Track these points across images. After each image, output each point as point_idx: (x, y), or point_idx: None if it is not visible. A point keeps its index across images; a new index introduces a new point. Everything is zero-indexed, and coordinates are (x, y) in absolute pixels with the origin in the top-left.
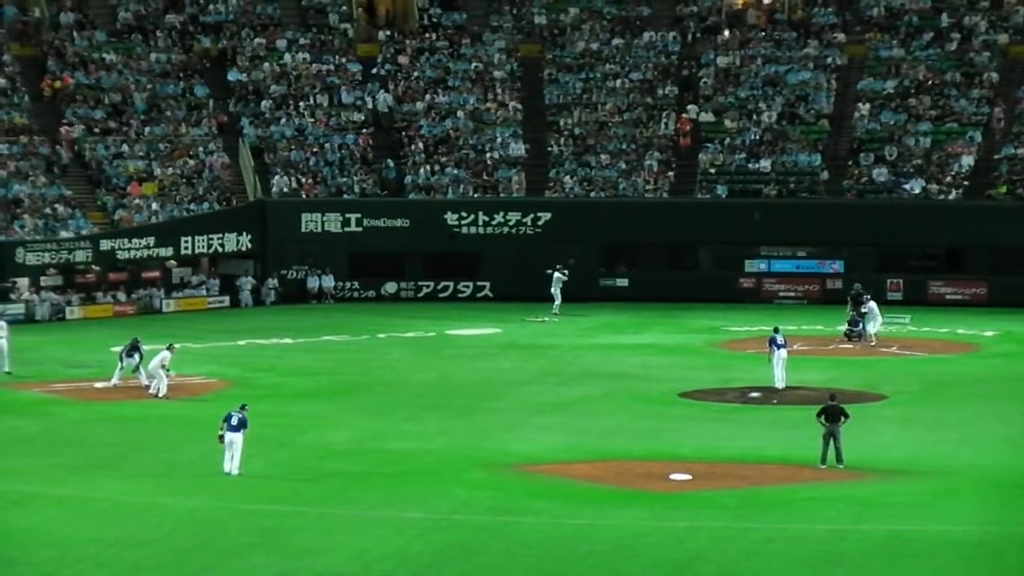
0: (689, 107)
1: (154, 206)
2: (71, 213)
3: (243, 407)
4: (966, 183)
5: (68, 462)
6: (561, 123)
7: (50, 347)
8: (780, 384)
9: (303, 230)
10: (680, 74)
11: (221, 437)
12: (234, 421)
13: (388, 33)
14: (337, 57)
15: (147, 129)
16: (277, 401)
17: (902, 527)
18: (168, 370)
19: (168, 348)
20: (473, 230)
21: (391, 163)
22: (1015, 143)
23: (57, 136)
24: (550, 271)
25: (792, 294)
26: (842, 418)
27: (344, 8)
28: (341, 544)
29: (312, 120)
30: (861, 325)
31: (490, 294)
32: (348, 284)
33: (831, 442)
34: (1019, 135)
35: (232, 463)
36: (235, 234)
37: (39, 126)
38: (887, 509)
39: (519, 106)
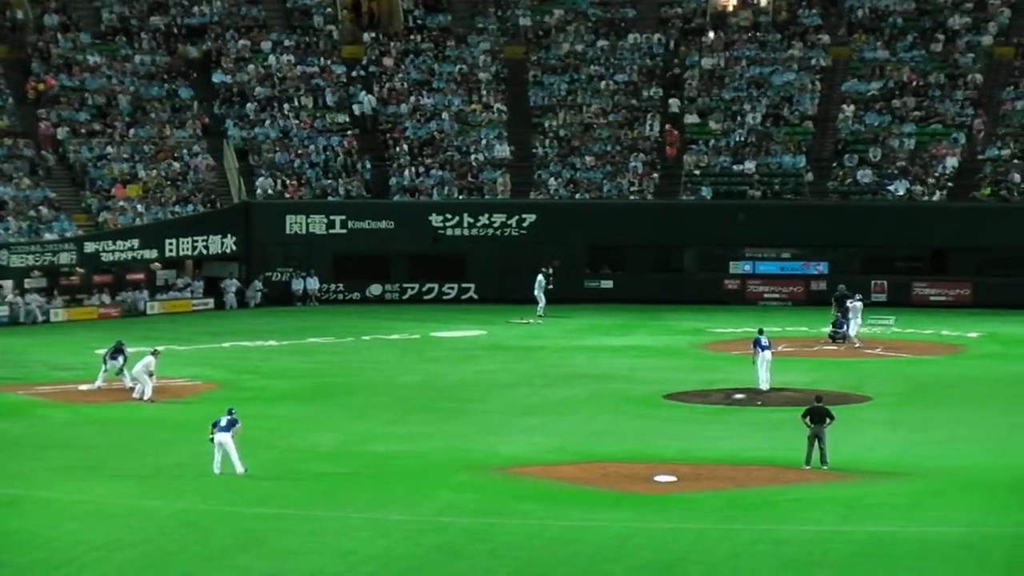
0: (671, 100)
1: (139, 208)
2: (55, 215)
3: (230, 411)
4: (950, 184)
5: (53, 464)
6: (546, 125)
7: (34, 349)
8: (764, 386)
9: (288, 232)
10: (665, 76)
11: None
12: (223, 423)
13: (373, 35)
14: (322, 59)
15: (131, 131)
16: (262, 403)
17: (887, 528)
18: (153, 375)
19: (153, 353)
20: (458, 232)
21: (367, 164)
22: (999, 144)
23: (37, 135)
24: (546, 270)
25: (777, 296)
26: (827, 419)
27: (329, 10)
28: (326, 546)
29: (297, 122)
30: (845, 327)
31: (475, 296)
32: (333, 286)
33: (816, 443)
34: (1003, 136)
35: (234, 464)
36: (220, 236)
37: (23, 128)
38: (872, 510)
39: (504, 108)
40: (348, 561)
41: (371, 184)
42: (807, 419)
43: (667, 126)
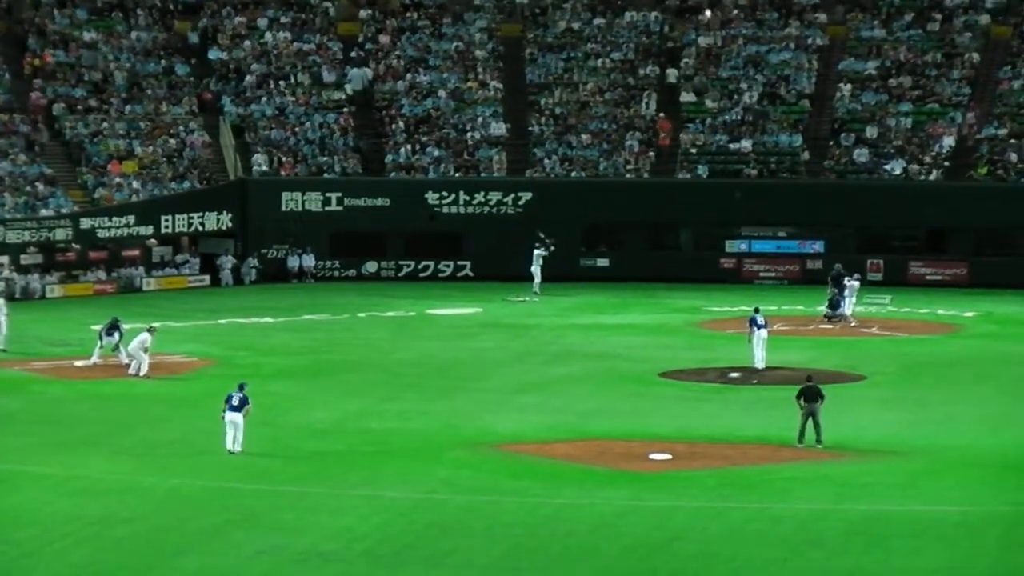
0: (668, 71)
1: (135, 184)
2: (51, 191)
3: (242, 386)
4: (947, 164)
5: (48, 440)
6: (542, 103)
7: (30, 325)
8: (760, 364)
9: (284, 209)
10: (661, 54)
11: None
12: (235, 401)
13: (369, 12)
14: (318, 36)
15: (128, 107)
16: (258, 380)
17: (881, 507)
18: (148, 351)
19: (148, 330)
20: (454, 210)
21: (351, 142)
22: (995, 124)
23: (29, 105)
24: (541, 237)
25: (772, 274)
26: (820, 398)
27: None
28: (322, 523)
29: (293, 99)
30: (842, 306)
31: (471, 274)
32: (329, 263)
33: (810, 422)
34: (1000, 116)
35: (235, 443)
36: (215, 213)
37: (19, 104)
38: (866, 489)
39: (500, 86)
40: (343, 538)
41: (363, 153)
42: (801, 399)
43: (660, 115)
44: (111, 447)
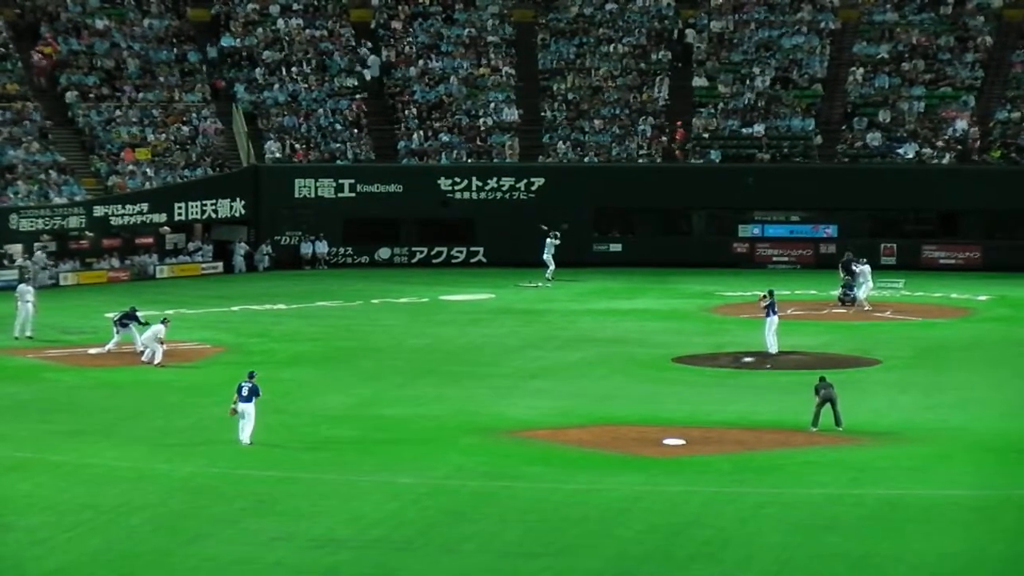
0: (687, 31)
1: (148, 172)
2: (64, 179)
3: (251, 375)
4: (959, 147)
5: (62, 428)
6: (554, 88)
7: (44, 313)
8: (773, 349)
9: (296, 196)
10: (673, 39)
11: (234, 410)
12: (245, 391)
13: None
14: (330, 22)
15: (140, 95)
16: (271, 367)
17: (896, 491)
18: (163, 342)
19: (163, 322)
20: (467, 195)
21: (357, 132)
22: (1008, 107)
23: (31, 66)
24: (555, 233)
25: (786, 259)
26: (833, 389)
27: None
28: (335, 509)
29: (305, 86)
30: (855, 290)
31: (484, 259)
32: (342, 250)
33: (828, 407)
34: (1013, 99)
35: (244, 433)
36: (228, 200)
37: (33, 92)
38: (881, 474)
39: (512, 71)
40: (357, 524)
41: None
42: (820, 393)
43: (677, 125)
44: (125, 435)
